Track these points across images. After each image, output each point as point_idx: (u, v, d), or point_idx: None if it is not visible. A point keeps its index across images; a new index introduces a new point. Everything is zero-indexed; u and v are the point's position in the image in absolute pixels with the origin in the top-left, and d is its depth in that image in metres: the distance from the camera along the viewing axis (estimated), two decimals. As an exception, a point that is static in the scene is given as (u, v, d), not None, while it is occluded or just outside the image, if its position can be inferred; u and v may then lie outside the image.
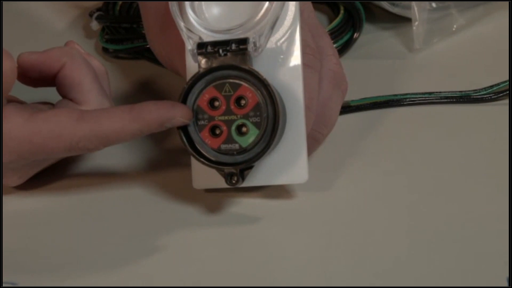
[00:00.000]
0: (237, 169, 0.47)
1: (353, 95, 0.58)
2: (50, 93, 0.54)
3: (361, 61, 0.65)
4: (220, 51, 0.47)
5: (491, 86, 0.58)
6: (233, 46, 0.46)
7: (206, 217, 0.51)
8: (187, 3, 0.49)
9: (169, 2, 0.49)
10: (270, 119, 0.47)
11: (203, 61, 0.47)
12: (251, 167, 0.48)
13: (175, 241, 0.49)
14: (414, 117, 0.58)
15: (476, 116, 0.57)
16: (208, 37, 0.48)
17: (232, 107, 0.47)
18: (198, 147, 0.48)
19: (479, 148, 0.54)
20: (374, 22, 0.70)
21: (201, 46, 0.47)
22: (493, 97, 0.58)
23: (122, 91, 0.64)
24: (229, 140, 0.47)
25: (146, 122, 0.47)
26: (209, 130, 0.47)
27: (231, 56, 0.47)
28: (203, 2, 0.49)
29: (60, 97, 0.54)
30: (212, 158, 0.48)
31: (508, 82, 0.58)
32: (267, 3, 0.47)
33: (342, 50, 0.66)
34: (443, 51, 0.66)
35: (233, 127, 0.47)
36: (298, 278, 0.46)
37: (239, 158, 0.47)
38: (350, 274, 0.45)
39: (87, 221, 0.52)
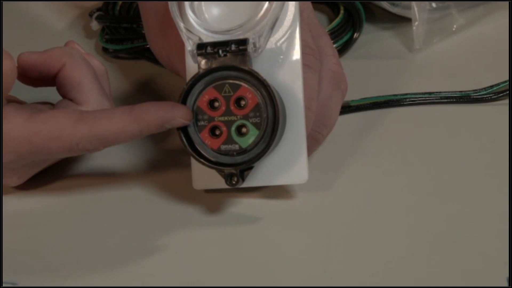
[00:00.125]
0: (237, 169, 0.47)
1: (353, 95, 0.58)
2: (50, 93, 0.54)
3: (361, 61, 0.65)
4: (220, 51, 0.47)
5: (491, 86, 0.58)
6: (233, 47, 0.46)
7: (206, 217, 0.51)
8: (186, 3, 0.49)
9: (169, 3, 0.48)
10: (270, 120, 0.47)
11: (202, 62, 0.47)
12: (251, 168, 0.48)
13: (175, 241, 0.49)
14: (414, 117, 0.58)
15: (476, 116, 0.57)
16: (207, 37, 0.48)
17: (232, 107, 0.47)
18: (198, 148, 0.48)
19: (479, 148, 0.54)
20: (374, 22, 0.70)
21: (201, 47, 0.47)
22: (493, 97, 0.58)
23: (122, 91, 0.64)
24: (229, 140, 0.47)
25: (146, 123, 0.47)
26: (209, 130, 0.47)
27: (231, 57, 0.47)
28: (202, 3, 0.49)
29: (60, 97, 0.54)
30: (212, 159, 0.48)
31: (508, 82, 0.58)
32: (266, 3, 0.47)
33: (342, 50, 0.66)
34: (443, 51, 0.66)
35: (233, 128, 0.47)
36: (298, 278, 0.46)
37: (239, 158, 0.47)
38: (350, 274, 0.46)
39: (87, 221, 0.52)
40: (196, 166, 0.50)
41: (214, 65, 0.47)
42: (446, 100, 0.59)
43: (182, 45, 0.48)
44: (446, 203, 0.50)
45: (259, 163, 0.48)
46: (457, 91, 0.59)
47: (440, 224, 0.48)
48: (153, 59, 0.63)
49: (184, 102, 0.47)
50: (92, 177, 0.55)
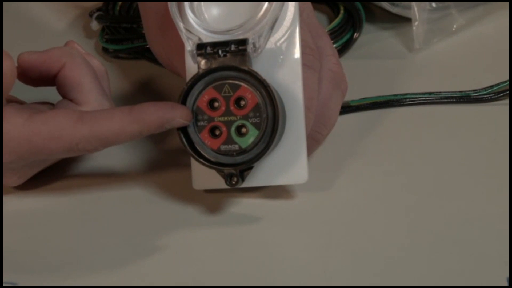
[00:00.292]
0: (236, 169, 0.47)
1: (353, 95, 0.58)
2: (50, 93, 0.54)
3: (361, 61, 0.65)
4: (220, 52, 0.47)
5: (491, 86, 0.58)
6: (233, 47, 0.46)
7: (206, 217, 0.51)
8: (186, 3, 0.49)
9: (168, 3, 0.48)
10: (270, 120, 0.47)
11: (202, 62, 0.47)
12: (251, 168, 0.48)
13: (175, 241, 0.49)
14: (414, 117, 0.58)
15: (476, 116, 0.57)
16: (207, 38, 0.48)
17: (232, 108, 0.47)
18: (198, 148, 0.48)
19: (479, 148, 0.54)
20: (374, 22, 0.70)
21: (201, 47, 0.47)
22: (493, 97, 0.58)
23: (122, 91, 0.64)
24: (229, 141, 0.47)
25: (145, 124, 0.47)
26: (209, 131, 0.47)
27: (231, 57, 0.47)
28: (202, 3, 0.49)
29: (60, 97, 0.54)
30: (212, 159, 0.48)
31: (508, 82, 0.58)
32: (266, 3, 0.47)
33: (342, 50, 0.66)
34: (443, 51, 0.66)
35: (233, 128, 0.47)
36: (298, 278, 0.46)
37: (239, 159, 0.47)
38: (350, 274, 0.46)
39: (87, 221, 0.52)
40: (196, 166, 0.50)
41: (213, 65, 0.47)
42: (446, 100, 0.59)
43: (181, 45, 0.48)
44: (446, 203, 0.50)
45: (259, 163, 0.48)
46: (457, 91, 0.59)
47: (440, 224, 0.48)
48: (153, 59, 0.63)
49: (183, 102, 0.47)
50: (92, 177, 0.55)
